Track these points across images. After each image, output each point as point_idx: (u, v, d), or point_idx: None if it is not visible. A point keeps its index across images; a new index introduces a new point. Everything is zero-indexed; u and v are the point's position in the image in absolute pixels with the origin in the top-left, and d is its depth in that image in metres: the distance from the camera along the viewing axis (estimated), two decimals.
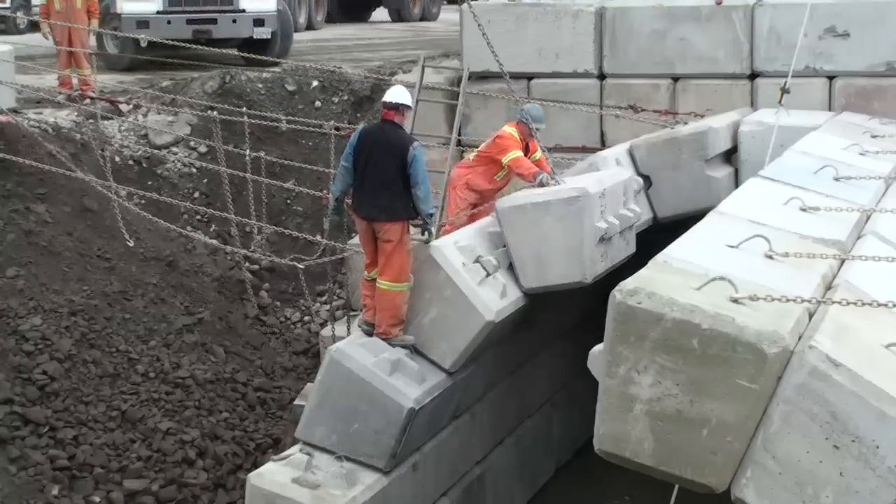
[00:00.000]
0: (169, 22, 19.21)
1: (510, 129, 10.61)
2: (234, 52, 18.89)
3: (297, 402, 11.12)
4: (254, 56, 17.37)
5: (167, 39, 17.04)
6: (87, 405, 10.47)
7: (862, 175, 9.41)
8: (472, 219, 10.51)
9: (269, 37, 20.20)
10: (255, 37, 19.97)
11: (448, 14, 34.47)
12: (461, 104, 13.51)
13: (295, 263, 11.15)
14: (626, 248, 10.03)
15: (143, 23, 19.10)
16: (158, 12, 19.31)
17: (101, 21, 18.67)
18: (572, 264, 9.32)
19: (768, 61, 13.39)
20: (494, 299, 9.00)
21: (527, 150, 10.63)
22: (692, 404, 5.86)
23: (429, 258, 8.91)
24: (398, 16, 32.06)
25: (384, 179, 8.74)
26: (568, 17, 14.12)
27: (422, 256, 8.95)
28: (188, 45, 18.11)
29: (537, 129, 10.47)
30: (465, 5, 14.66)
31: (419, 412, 8.51)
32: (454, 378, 9.04)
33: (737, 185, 11.26)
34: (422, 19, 32.22)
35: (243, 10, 19.97)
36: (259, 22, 19.98)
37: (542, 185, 10.08)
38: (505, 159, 10.40)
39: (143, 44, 20.83)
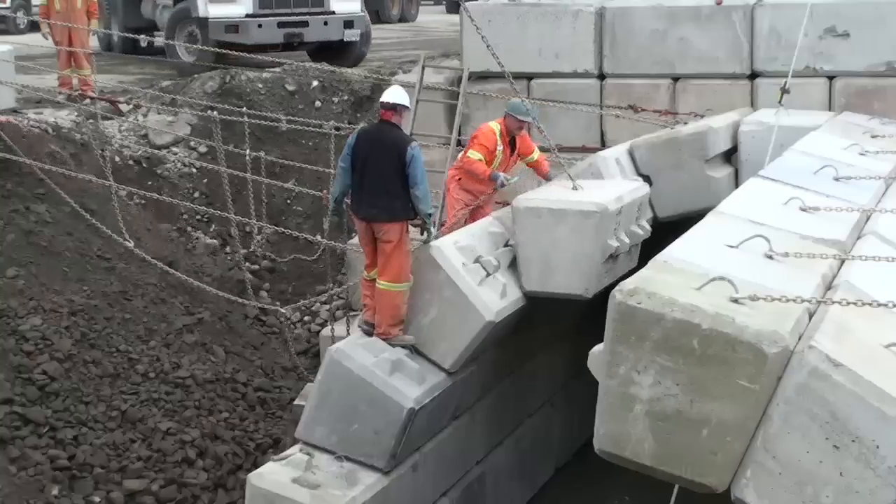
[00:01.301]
0: (260, 26, 18.40)
1: (493, 124, 10.56)
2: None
3: (297, 402, 11.13)
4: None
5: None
6: (87, 405, 10.47)
7: (862, 175, 9.40)
8: (472, 218, 10.49)
9: (358, 39, 19.55)
10: (345, 39, 19.29)
11: (426, 15, 34.49)
12: (461, 104, 13.50)
13: (304, 257, 11.05)
14: (629, 263, 10.02)
15: (231, 27, 18.35)
16: (248, 15, 18.49)
17: (174, 27, 17.91)
18: (576, 277, 9.31)
19: (768, 61, 13.38)
20: (494, 299, 9.00)
21: (513, 146, 10.57)
22: (692, 404, 5.86)
23: (429, 258, 8.91)
24: (376, 17, 31.74)
25: (383, 180, 8.73)
26: (568, 17, 14.11)
27: (422, 256, 8.95)
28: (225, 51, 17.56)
29: (524, 123, 10.41)
30: (465, 5, 14.66)
31: (419, 412, 8.51)
32: (454, 378, 9.04)
33: (737, 185, 11.26)
34: (400, 20, 32.08)
35: (333, 12, 19.25)
36: (349, 24, 19.32)
37: (502, 185, 10.11)
38: (467, 155, 10.40)
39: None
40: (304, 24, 18.89)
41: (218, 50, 15.58)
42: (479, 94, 13.89)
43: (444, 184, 11.42)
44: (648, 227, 10.38)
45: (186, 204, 13.79)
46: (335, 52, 19.27)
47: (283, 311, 11.86)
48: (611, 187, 10.20)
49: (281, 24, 18.67)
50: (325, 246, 12.32)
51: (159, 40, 19.33)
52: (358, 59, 19.54)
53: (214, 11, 18.41)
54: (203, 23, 18.51)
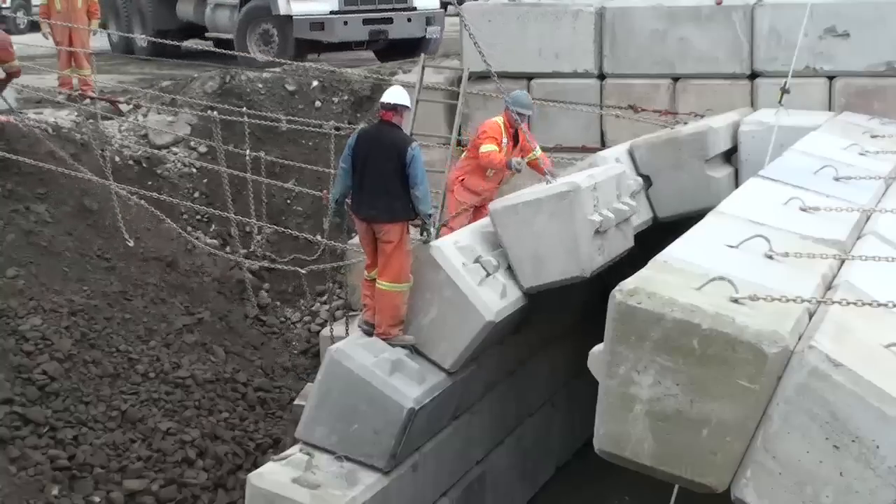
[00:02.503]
0: (346, 23, 18.21)
1: (497, 119, 10.62)
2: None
3: (297, 402, 11.13)
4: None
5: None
6: (87, 405, 10.47)
7: (862, 175, 9.40)
8: (474, 218, 10.50)
9: (438, 35, 19.32)
10: (427, 36, 19.10)
11: None
12: (461, 104, 13.51)
13: (297, 269, 11.09)
14: (623, 241, 10.00)
15: (317, 24, 18.20)
16: (333, 12, 18.27)
17: (250, 27, 17.57)
18: (569, 259, 9.31)
19: (768, 61, 13.38)
20: (494, 299, 9.00)
21: (516, 140, 10.59)
22: (692, 404, 5.86)
23: (429, 258, 8.91)
24: None
25: (383, 180, 8.72)
26: (568, 17, 14.12)
27: (422, 256, 8.95)
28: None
29: (524, 116, 10.47)
30: (463, 6, 14.69)
31: (419, 412, 8.51)
32: (454, 378, 9.04)
33: (737, 185, 11.26)
34: None
35: (415, 9, 19.03)
36: (430, 20, 19.15)
37: (516, 170, 10.16)
38: (480, 150, 10.43)
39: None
40: (389, 20, 18.68)
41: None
42: (479, 94, 13.90)
43: (444, 184, 11.41)
44: (635, 204, 10.31)
45: (186, 203, 13.79)
46: (409, 49, 18.99)
47: (300, 270, 11.77)
48: (584, 171, 10.25)
49: (366, 21, 18.42)
50: (325, 246, 12.31)
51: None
52: (430, 52, 19.36)
53: (298, 8, 18.12)
54: (283, 20, 18.19)
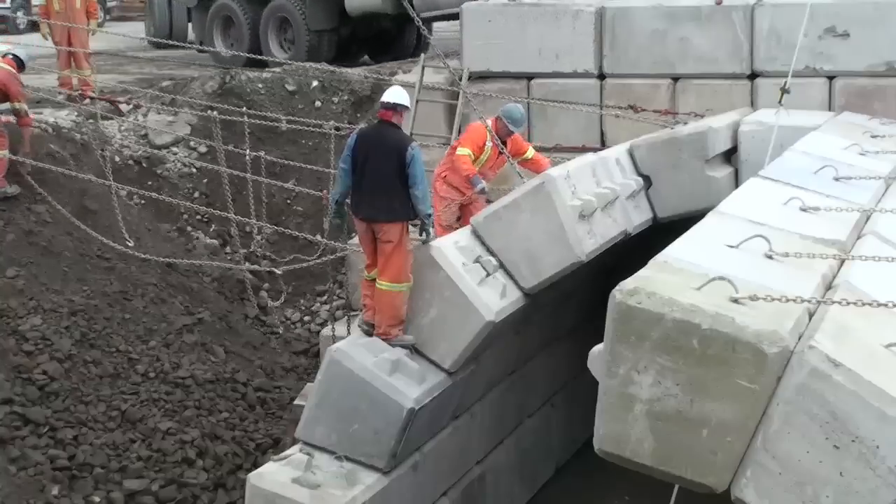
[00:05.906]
0: None
1: (486, 122, 10.65)
2: None
3: (297, 402, 11.13)
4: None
5: None
6: (87, 405, 10.48)
7: (862, 175, 9.39)
8: (465, 219, 10.50)
9: None
10: None
11: None
12: (461, 104, 13.50)
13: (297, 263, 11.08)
14: (613, 225, 9.99)
15: None
16: None
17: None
18: (561, 248, 9.31)
19: (768, 61, 13.38)
20: (494, 299, 9.00)
21: (503, 144, 10.62)
22: (692, 404, 5.85)
23: (429, 258, 8.90)
24: None
25: (383, 180, 8.72)
26: (568, 17, 14.11)
27: (422, 257, 8.95)
28: None
29: (511, 133, 10.55)
30: (463, 6, 14.68)
31: (419, 412, 8.51)
32: (454, 378, 9.04)
33: (737, 185, 11.25)
34: None
35: None
36: None
37: (481, 191, 10.26)
38: (456, 152, 10.48)
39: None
40: None
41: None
42: (479, 94, 13.89)
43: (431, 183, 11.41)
44: (618, 188, 10.27)
45: (186, 204, 13.79)
46: None
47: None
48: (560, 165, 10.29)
49: None
50: (325, 246, 12.32)
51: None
52: None
53: None
54: None
